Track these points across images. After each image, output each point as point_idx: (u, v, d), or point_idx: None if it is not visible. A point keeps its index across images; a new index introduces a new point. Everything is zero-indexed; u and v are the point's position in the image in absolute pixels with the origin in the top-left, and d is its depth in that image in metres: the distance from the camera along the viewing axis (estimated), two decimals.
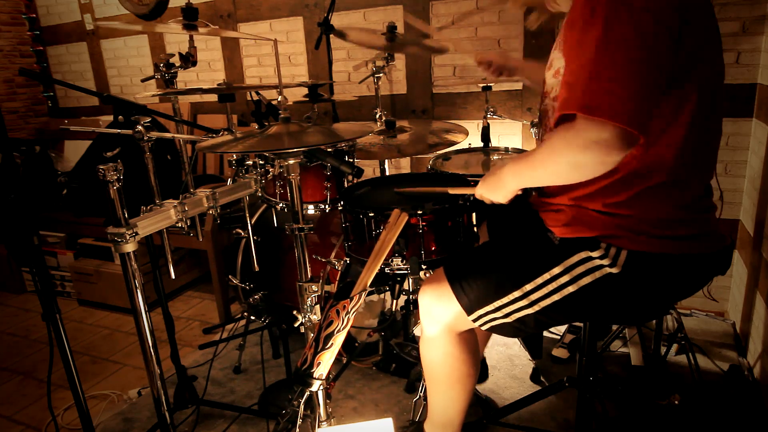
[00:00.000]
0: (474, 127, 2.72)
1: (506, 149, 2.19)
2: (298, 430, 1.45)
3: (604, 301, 1.21)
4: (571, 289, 1.18)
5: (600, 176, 1.10)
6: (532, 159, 1.13)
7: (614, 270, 1.14)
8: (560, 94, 1.05)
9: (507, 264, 1.27)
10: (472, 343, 1.42)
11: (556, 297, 1.20)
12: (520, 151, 2.16)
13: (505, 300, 1.23)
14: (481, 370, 2.04)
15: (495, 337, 1.31)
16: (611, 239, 1.14)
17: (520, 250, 1.28)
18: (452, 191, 1.51)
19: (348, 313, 1.25)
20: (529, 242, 1.28)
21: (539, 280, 1.20)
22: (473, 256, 1.36)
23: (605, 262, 1.14)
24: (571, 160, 1.01)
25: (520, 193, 1.27)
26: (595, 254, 1.15)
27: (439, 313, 1.33)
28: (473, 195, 1.51)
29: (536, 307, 1.22)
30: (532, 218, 1.31)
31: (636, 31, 0.94)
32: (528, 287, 1.21)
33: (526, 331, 1.30)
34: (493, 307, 1.25)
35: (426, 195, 1.58)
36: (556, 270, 1.18)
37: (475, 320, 1.29)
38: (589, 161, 0.99)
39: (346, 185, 1.85)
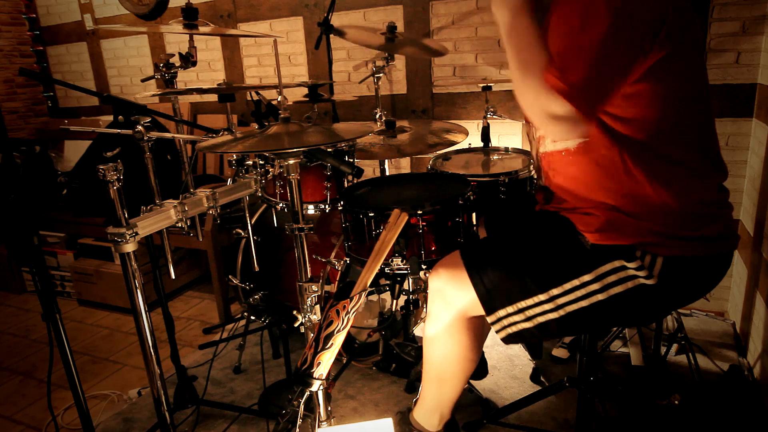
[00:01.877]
0: (474, 127, 2.73)
1: (506, 149, 2.19)
2: (298, 430, 1.46)
3: (631, 309, 1.19)
4: (600, 297, 1.16)
5: (627, 182, 1.12)
6: (522, 48, 1.07)
7: (650, 282, 1.12)
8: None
9: (533, 264, 1.22)
10: (480, 327, 1.37)
11: (584, 303, 1.17)
12: (520, 152, 2.16)
13: (529, 302, 1.20)
14: (480, 366, 2.02)
15: (495, 337, 1.29)
16: (647, 246, 1.12)
17: (548, 251, 1.24)
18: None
19: (348, 313, 1.25)
20: (558, 244, 1.23)
21: (567, 286, 1.17)
22: (493, 247, 1.32)
23: (641, 273, 1.12)
24: (543, 110, 1.04)
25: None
26: (631, 265, 1.13)
27: (453, 296, 1.29)
28: (471, 194, 1.50)
29: (561, 312, 1.19)
30: (554, 218, 1.27)
31: (610, 26, 0.97)
32: (555, 291, 1.18)
33: (545, 337, 1.25)
34: (515, 309, 1.21)
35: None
36: (587, 277, 1.16)
37: (493, 323, 1.25)
38: (558, 127, 1.04)
39: (346, 185, 1.85)
